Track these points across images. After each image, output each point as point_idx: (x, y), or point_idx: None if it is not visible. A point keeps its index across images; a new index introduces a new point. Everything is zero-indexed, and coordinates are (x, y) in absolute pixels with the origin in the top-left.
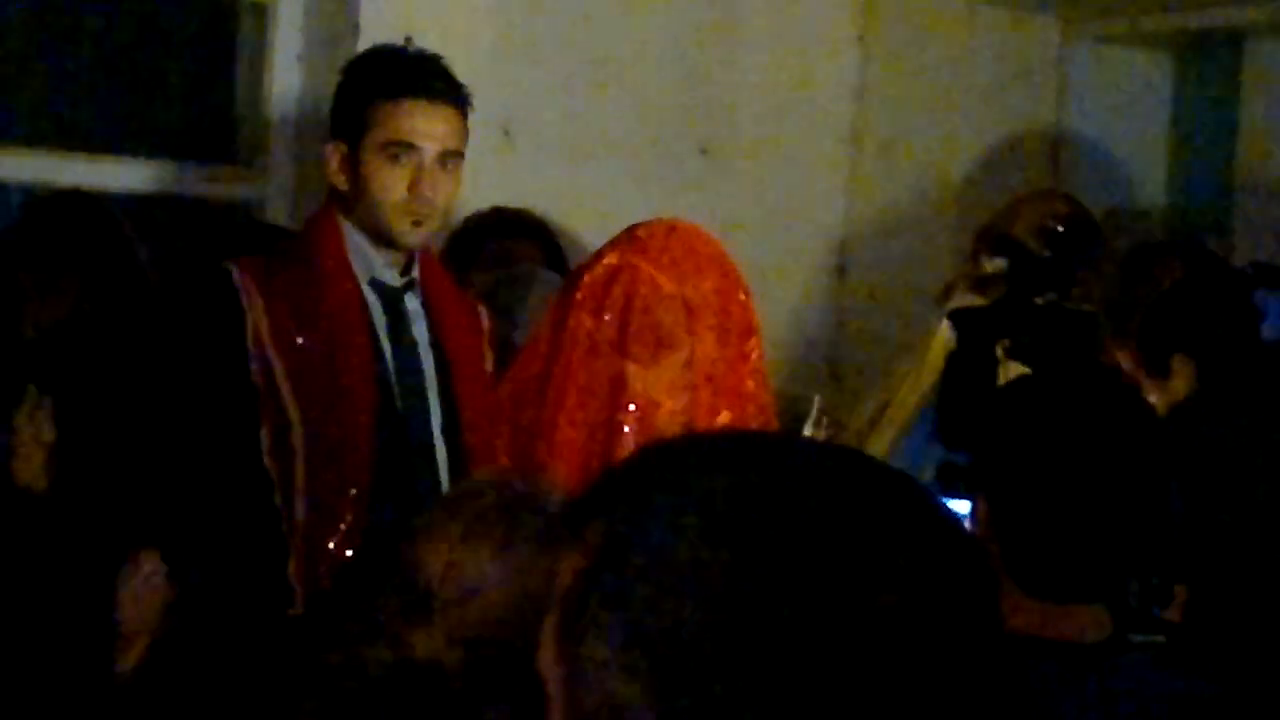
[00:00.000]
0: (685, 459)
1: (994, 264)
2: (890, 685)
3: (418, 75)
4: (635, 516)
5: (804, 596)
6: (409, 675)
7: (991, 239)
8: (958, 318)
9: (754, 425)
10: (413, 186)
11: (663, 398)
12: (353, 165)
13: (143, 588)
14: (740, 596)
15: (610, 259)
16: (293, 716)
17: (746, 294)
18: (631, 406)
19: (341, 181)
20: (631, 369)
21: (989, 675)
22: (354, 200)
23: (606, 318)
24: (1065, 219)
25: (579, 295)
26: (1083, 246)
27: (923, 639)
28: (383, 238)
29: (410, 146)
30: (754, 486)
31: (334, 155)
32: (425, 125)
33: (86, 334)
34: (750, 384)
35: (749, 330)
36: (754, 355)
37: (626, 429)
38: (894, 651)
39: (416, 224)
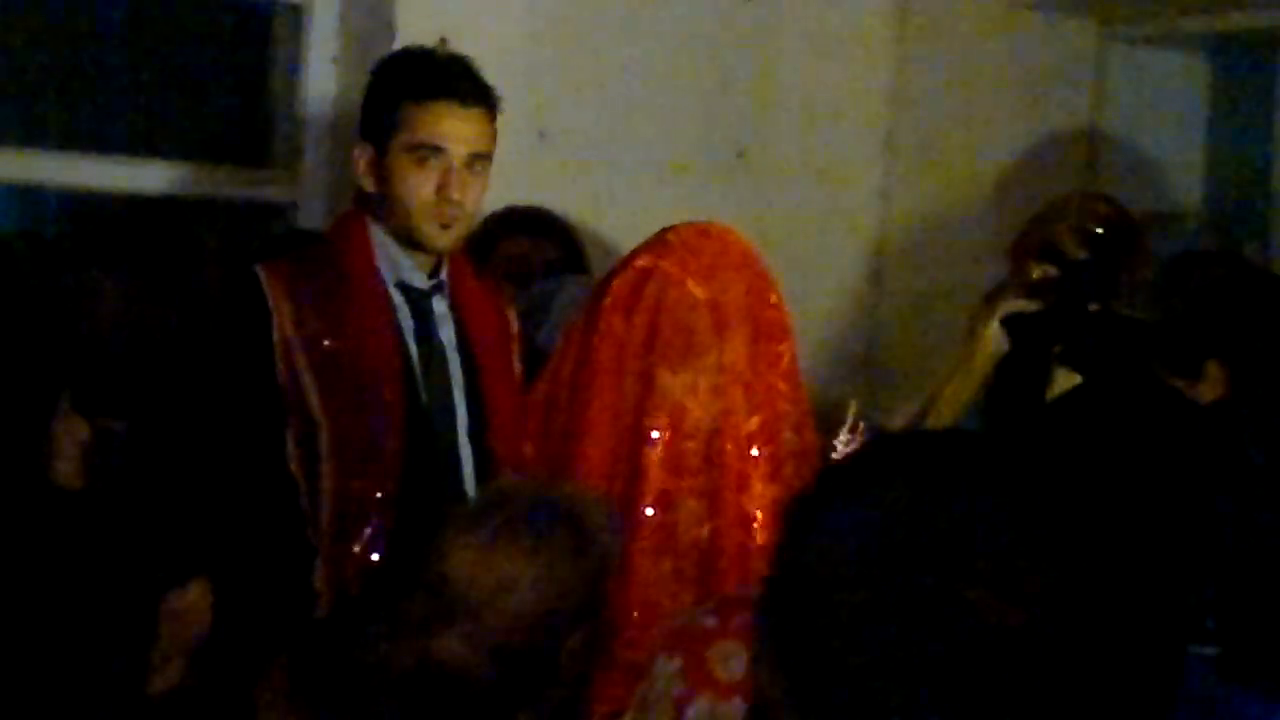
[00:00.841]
0: (880, 463)
1: (1041, 269)
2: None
3: (445, 77)
4: (814, 517)
5: (935, 625)
6: (433, 679)
7: (1034, 244)
8: (1011, 323)
9: (787, 429)
10: (440, 189)
11: (692, 402)
12: (380, 167)
13: (187, 613)
14: (878, 613)
15: (641, 262)
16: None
17: (779, 296)
18: (660, 410)
19: (370, 184)
20: (661, 372)
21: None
22: (382, 202)
23: (636, 321)
24: (1105, 220)
25: (609, 299)
26: (1124, 248)
27: (1048, 663)
28: (411, 240)
29: (437, 149)
30: (914, 513)
31: (362, 157)
32: (452, 128)
33: (145, 340)
34: (783, 386)
35: (782, 333)
36: (786, 358)
37: (655, 433)
38: (1022, 671)
39: (445, 227)
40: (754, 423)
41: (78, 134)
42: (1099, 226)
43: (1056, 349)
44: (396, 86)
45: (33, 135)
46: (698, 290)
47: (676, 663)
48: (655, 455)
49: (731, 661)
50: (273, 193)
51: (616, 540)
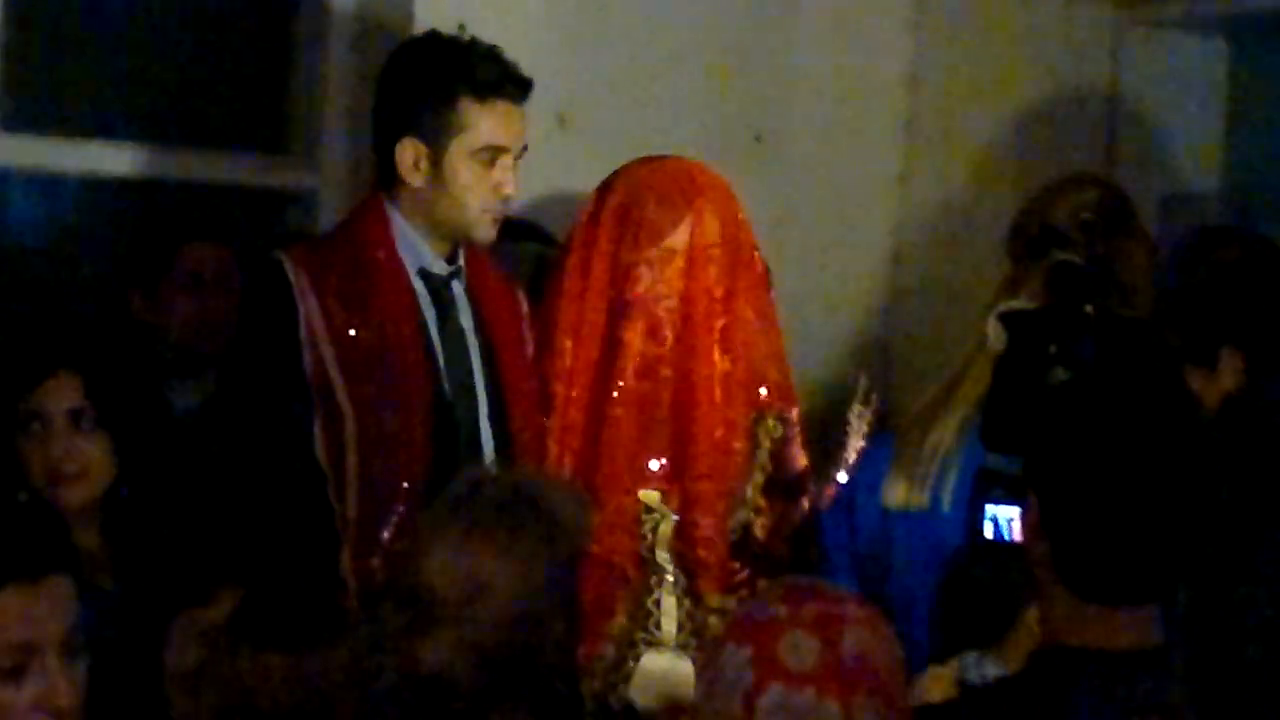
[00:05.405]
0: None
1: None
2: None
3: (504, 76)
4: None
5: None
6: (420, 686)
7: (1029, 241)
8: (1009, 319)
9: (756, 333)
10: (498, 187)
11: (668, 272)
12: (435, 165)
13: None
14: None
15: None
16: None
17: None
18: (636, 286)
19: (418, 179)
20: (634, 253)
21: None
22: (430, 197)
23: (607, 212)
24: (1096, 206)
25: (584, 216)
26: (1119, 231)
27: None
28: (459, 233)
29: (504, 150)
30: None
31: (409, 152)
32: (516, 127)
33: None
34: (748, 311)
35: (751, 245)
36: (760, 268)
37: (633, 307)
38: None
39: (495, 221)
40: (719, 291)
41: (97, 121)
42: (1089, 214)
43: (1052, 348)
44: (452, 83)
45: (51, 122)
46: (669, 165)
47: (746, 652)
48: (636, 327)
49: (803, 650)
50: (292, 179)
51: (588, 525)
